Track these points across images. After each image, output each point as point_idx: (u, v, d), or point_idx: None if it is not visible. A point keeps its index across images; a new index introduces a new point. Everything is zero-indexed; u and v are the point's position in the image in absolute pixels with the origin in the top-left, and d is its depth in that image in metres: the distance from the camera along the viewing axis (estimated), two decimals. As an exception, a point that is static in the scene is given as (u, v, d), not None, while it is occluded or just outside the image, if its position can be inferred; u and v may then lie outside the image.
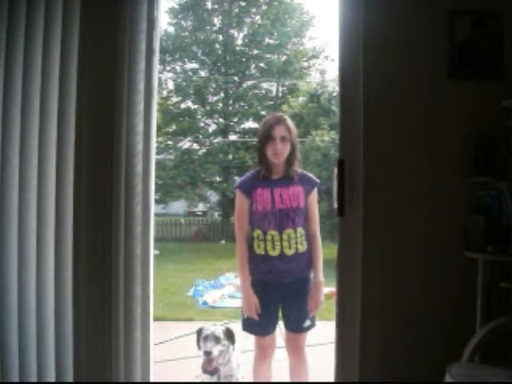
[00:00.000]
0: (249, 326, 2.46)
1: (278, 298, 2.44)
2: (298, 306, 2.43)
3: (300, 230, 2.41)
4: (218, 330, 2.66)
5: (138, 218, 2.32)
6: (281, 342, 2.73)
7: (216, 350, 2.60)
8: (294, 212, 2.40)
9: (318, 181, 2.53)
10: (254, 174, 2.49)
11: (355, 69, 2.28)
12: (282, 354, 2.63)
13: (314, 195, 2.49)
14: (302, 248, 2.41)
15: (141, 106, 2.33)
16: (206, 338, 2.64)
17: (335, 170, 2.26)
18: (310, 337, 2.55)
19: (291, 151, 2.43)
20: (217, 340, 2.63)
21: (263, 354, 2.50)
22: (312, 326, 2.47)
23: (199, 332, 2.70)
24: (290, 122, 2.45)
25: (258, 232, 2.42)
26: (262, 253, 2.40)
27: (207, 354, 2.60)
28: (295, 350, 2.50)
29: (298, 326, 2.45)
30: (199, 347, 2.68)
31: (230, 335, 2.67)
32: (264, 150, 2.42)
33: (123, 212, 2.28)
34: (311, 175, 2.54)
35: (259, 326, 2.44)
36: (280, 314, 2.49)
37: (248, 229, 2.46)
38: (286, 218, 2.38)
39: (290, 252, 2.39)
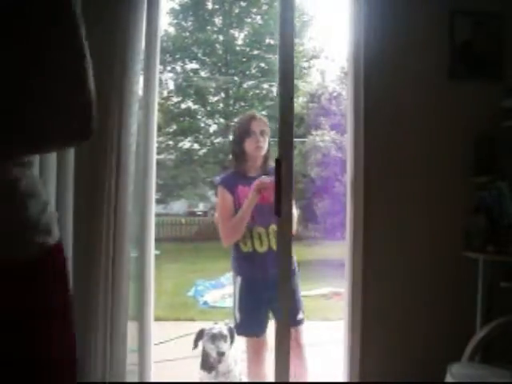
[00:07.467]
0: (242, 328, 2.44)
1: (267, 297, 2.41)
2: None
3: None
4: (224, 329, 2.67)
5: (139, 219, 2.32)
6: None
7: (227, 350, 2.61)
8: None
9: None
10: (234, 172, 2.49)
11: (355, 68, 2.28)
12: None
13: None
14: None
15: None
16: (214, 337, 2.62)
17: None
18: (310, 337, 2.55)
19: (268, 147, 2.44)
20: (225, 339, 2.64)
21: (256, 356, 2.46)
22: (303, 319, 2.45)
23: (201, 332, 2.69)
24: (264, 119, 2.48)
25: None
26: (250, 250, 2.39)
27: (221, 354, 2.59)
28: (294, 346, 2.48)
29: (291, 320, 2.42)
30: (196, 346, 2.68)
31: (232, 334, 2.68)
32: (243, 146, 2.41)
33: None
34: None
35: (252, 327, 2.42)
36: (271, 315, 2.46)
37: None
38: (268, 214, 2.33)
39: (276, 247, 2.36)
